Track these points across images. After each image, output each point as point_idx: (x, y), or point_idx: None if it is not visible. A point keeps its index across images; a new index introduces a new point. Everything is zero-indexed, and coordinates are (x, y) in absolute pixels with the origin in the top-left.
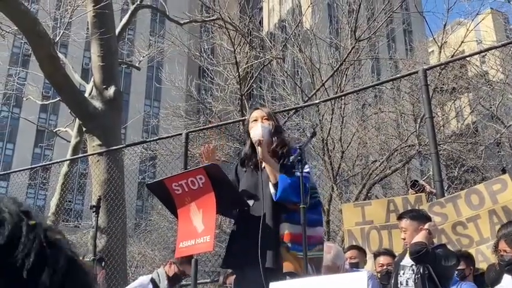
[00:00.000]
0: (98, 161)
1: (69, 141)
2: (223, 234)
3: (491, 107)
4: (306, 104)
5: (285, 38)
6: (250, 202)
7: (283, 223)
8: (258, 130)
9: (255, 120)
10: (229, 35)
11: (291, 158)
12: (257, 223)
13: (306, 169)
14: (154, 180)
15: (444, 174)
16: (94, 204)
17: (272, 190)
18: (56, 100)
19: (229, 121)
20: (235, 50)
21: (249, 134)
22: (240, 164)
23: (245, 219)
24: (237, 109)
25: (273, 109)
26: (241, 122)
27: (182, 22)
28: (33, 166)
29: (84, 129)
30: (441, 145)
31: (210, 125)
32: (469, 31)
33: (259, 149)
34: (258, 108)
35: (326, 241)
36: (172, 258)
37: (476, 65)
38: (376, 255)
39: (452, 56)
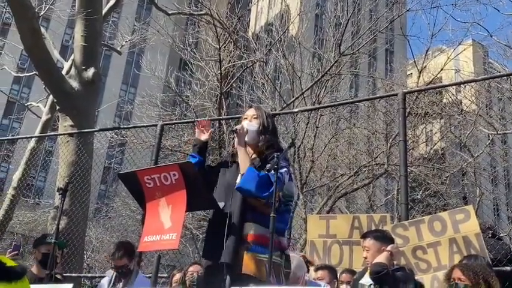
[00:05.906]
0: (67, 141)
1: (40, 117)
2: (184, 229)
3: (461, 136)
4: (285, 111)
5: (270, 42)
6: (221, 204)
7: (248, 223)
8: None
9: (245, 118)
10: (216, 31)
11: (268, 166)
12: (225, 220)
13: (282, 170)
14: (127, 171)
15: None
16: (62, 187)
17: (238, 180)
18: (31, 74)
19: (206, 118)
20: (220, 48)
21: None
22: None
23: (217, 215)
24: (214, 106)
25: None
26: (217, 121)
27: (170, 12)
28: (0, 138)
29: (57, 107)
30: (408, 167)
31: (185, 120)
32: (449, 59)
33: (235, 138)
34: (252, 107)
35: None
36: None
37: (452, 93)
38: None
39: (430, 81)
